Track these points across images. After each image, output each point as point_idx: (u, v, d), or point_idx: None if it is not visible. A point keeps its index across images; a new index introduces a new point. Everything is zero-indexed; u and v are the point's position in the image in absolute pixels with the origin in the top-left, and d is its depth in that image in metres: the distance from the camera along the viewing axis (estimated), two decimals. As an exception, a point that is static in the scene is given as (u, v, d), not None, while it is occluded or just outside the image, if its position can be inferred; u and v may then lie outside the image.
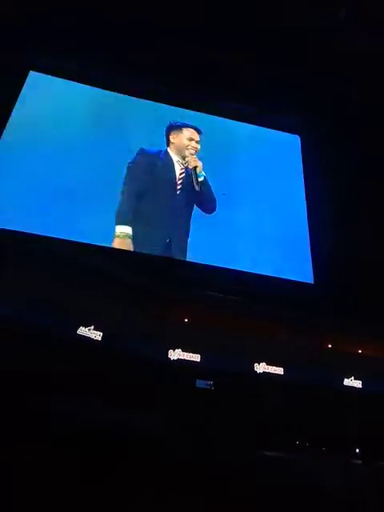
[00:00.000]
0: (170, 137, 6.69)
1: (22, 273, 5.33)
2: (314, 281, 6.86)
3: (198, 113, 7.89)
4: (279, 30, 7.08)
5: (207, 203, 6.63)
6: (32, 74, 7.27)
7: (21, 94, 7.00)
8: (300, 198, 7.64)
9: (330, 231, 7.23)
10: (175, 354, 5.81)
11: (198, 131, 6.74)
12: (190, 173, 6.36)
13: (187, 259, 6.40)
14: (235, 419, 4.96)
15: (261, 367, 6.01)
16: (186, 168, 6.48)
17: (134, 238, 6.14)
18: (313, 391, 5.81)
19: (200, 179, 6.29)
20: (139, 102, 7.66)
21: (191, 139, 6.61)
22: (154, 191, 6.44)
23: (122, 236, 6.08)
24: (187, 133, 6.67)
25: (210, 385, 5.79)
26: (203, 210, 6.63)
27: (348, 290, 6.57)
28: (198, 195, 6.41)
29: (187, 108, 7.85)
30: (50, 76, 7.36)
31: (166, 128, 6.75)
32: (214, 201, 6.72)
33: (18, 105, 6.89)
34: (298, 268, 7.01)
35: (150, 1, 6.94)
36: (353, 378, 6.28)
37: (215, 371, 5.80)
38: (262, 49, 7.30)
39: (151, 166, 6.48)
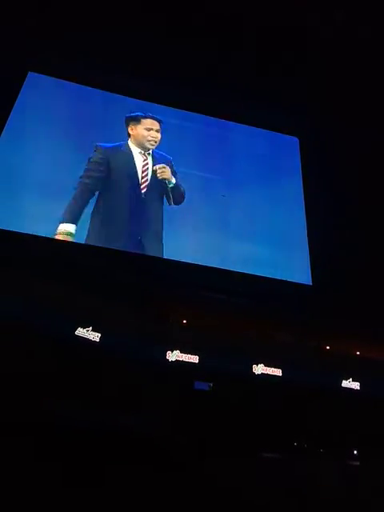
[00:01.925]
0: (129, 129, 6.54)
1: (19, 274, 5.33)
2: (313, 282, 6.88)
3: (198, 114, 7.93)
4: (279, 30, 7.08)
5: (176, 198, 6.46)
6: (31, 75, 7.30)
7: (20, 95, 7.02)
8: (299, 200, 7.65)
9: (328, 233, 7.24)
10: (173, 356, 5.79)
11: (158, 121, 6.57)
12: (155, 164, 6.29)
13: (199, 262, 6.38)
14: (233, 420, 4.96)
15: (259, 368, 6.00)
16: (152, 162, 6.38)
17: (95, 235, 6.09)
18: (311, 392, 5.81)
19: (170, 186, 6.25)
20: (138, 103, 7.66)
21: (150, 129, 6.46)
22: (116, 186, 6.31)
23: (64, 233, 5.94)
24: (146, 123, 6.53)
25: (208, 386, 5.78)
26: (170, 203, 6.42)
27: (346, 291, 6.58)
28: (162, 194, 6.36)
29: (186, 109, 7.88)
30: (48, 77, 7.37)
31: (124, 121, 6.59)
32: (182, 195, 6.57)
33: (16, 105, 6.91)
34: (297, 270, 7.02)
35: (150, 2, 6.94)
36: (351, 379, 6.28)
37: (214, 372, 5.79)
38: (262, 49, 7.31)
39: (109, 161, 6.32)
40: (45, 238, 6.02)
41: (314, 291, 6.79)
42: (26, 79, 7.21)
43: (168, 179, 6.23)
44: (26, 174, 6.51)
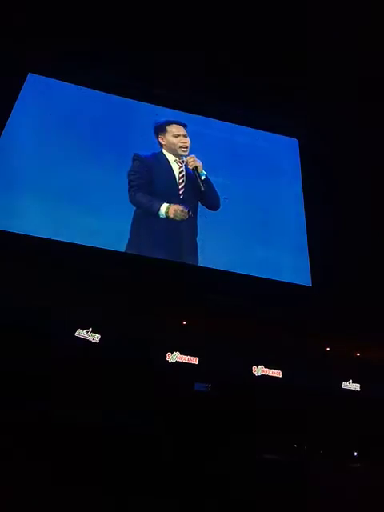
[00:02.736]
0: (159, 138, 6.62)
1: (19, 275, 5.33)
2: (312, 284, 6.88)
3: (197, 116, 7.94)
4: (278, 31, 7.10)
5: (211, 200, 6.60)
6: (31, 76, 7.32)
7: (19, 96, 7.03)
8: (298, 201, 7.66)
9: (328, 234, 7.24)
10: (173, 357, 5.79)
11: (183, 125, 6.64)
12: (190, 172, 6.33)
13: (199, 263, 6.41)
14: (233, 422, 4.96)
15: (259, 370, 6.00)
16: (186, 168, 6.43)
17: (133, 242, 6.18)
18: (311, 394, 5.80)
19: (202, 178, 6.27)
20: (138, 104, 7.68)
21: (178, 135, 6.51)
22: (158, 195, 6.37)
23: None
24: (172, 130, 6.58)
25: (208, 387, 5.78)
26: (208, 208, 6.62)
27: (346, 292, 6.57)
28: (202, 194, 6.37)
29: (185, 111, 7.89)
30: (49, 78, 7.39)
31: (153, 130, 6.67)
32: (217, 197, 6.69)
33: (16, 106, 6.93)
34: (296, 271, 7.02)
35: (150, 3, 6.95)
36: (351, 381, 6.28)
37: (213, 374, 5.79)
38: (261, 50, 7.33)
39: (150, 170, 6.42)
40: (45, 239, 6.02)
41: (313, 293, 6.79)
42: (26, 80, 7.23)
43: (199, 168, 6.23)
44: (26, 175, 6.51)
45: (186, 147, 6.50)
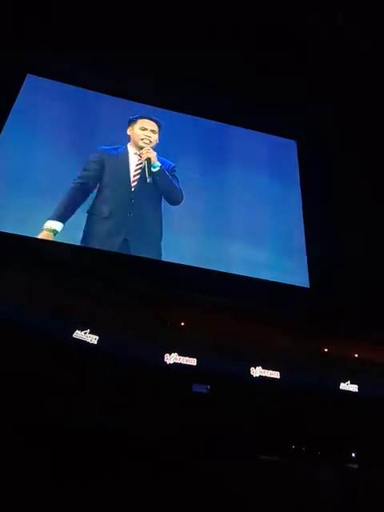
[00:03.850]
0: (127, 130, 6.68)
1: (16, 275, 5.32)
2: (310, 285, 6.89)
3: (195, 117, 7.95)
4: (278, 31, 7.12)
5: (168, 195, 6.54)
6: (30, 77, 7.32)
7: (18, 97, 7.03)
8: (296, 202, 7.68)
9: (326, 235, 7.26)
10: (171, 358, 5.78)
11: (156, 122, 6.68)
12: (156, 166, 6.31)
13: (198, 265, 6.40)
14: (231, 423, 4.96)
15: (257, 371, 6.00)
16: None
17: (89, 234, 6.14)
18: (309, 395, 5.80)
19: (154, 170, 6.24)
20: (136, 105, 7.69)
21: (144, 128, 6.55)
22: (108, 186, 6.36)
23: (48, 230, 5.97)
24: (142, 123, 6.63)
25: (206, 389, 5.77)
26: (168, 202, 6.56)
27: (344, 294, 6.59)
28: (156, 187, 6.37)
29: (183, 111, 7.91)
30: (47, 79, 7.39)
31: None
32: (176, 192, 6.59)
33: (15, 107, 6.93)
34: (294, 272, 7.03)
35: (149, 4, 6.96)
36: (349, 382, 6.28)
37: (211, 375, 5.78)
38: (260, 51, 7.34)
39: (104, 162, 6.41)
40: (41, 239, 6.01)
41: (311, 294, 6.80)
42: (25, 82, 7.23)
43: (152, 160, 6.27)
44: (24, 175, 6.50)
45: (150, 141, 6.50)
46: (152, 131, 6.55)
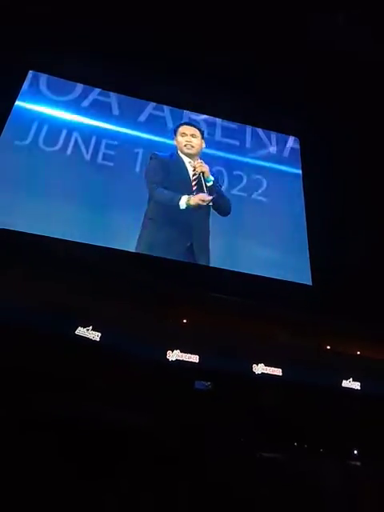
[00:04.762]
0: (174, 141, 6.76)
1: (19, 273, 5.33)
2: (313, 282, 6.87)
3: (197, 114, 7.94)
4: (279, 31, 7.08)
5: (220, 207, 6.61)
6: (31, 73, 7.31)
7: (20, 93, 7.03)
8: (299, 199, 7.65)
9: (329, 233, 7.24)
10: (174, 355, 5.79)
11: (193, 126, 6.79)
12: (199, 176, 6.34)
13: (211, 263, 6.44)
14: (234, 420, 4.96)
15: (259, 368, 6.00)
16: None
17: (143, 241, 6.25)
18: (311, 392, 5.80)
19: (208, 184, 6.28)
20: (136, 101, 7.69)
21: (184, 134, 6.61)
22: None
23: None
24: (181, 130, 6.71)
25: (208, 386, 5.78)
26: (218, 213, 6.63)
27: (347, 291, 6.57)
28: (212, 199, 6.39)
29: (186, 109, 7.90)
30: (49, 75, 7.38)
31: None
32: (226, 204, 6.70)
33: (17, 104, 6.93)
34: (297, 269, 7.02)
35: (152, 4, 6.93)
36: (351, 379, 6.28)
37: (214, 372, 5.79)
38: (262, 49, 7.30)
39: (166, 169, 6.45)
40: (46, 237, 6.03)
41: (314, 291, 6.78)
42: (27, 78, 7.22)
43: (206, 174, 6.27)
44: (28, 173, 6.50)
45: (192, 146, 6.55)
46: (192, 136, 6.61)
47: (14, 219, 6.08)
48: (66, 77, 7.45)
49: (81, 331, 5.49)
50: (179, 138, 6.65)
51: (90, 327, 5.53)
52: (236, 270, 6.64)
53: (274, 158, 8.00)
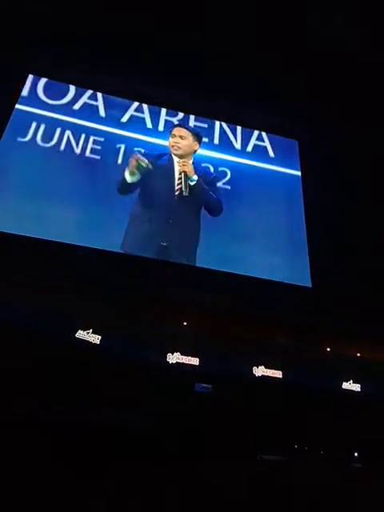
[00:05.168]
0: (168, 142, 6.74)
1: (19, 276, 5.33)
2: (312, 284, 6.87)
3: (195, 116, 7.96)
4: (278, 31, 7.10)
5: (209, 206, 6.61)
6: (31, 77, 7.36)
7: (20, 98, 7.08)
8: (298, 202, 7.66)
9: (328, 235, 7.25)
10: (174, 358, 5.80)
11: (183, 126, 6.77)
12: (198, 176, 6.34)
13: (200, 264, 6.44)
14: (234, 422, 4.96)
15: (259, 370, 6.00)
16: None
17: (125, 240, 6.25)
18: (311, 394, 5.80)
19: (191, 183, 6.26)
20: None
21: (173, 136, 6.60)
22: (153, 190, 6.42)
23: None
24: (172, 131, 6.70)
25: (208, 388, 5.78)
26: (208, 213, 6.63)
27: (346, 293, 6.57)
28: (196, 199, 6.38)
29: (183, 111, 7.93)
30: (48, 80, 7.43)
31: None
32: (215, 204, 6.66)
33: (17, 107, 6.98)
34: (296, 272, 7.02)
35: (150, 5, 6.96)
36: (351, 381, 6.28)
37: (214, 375, 5.79)
38: (260, 51, 7.32)
39: (151, 168, 6.40)
40: (44, 240, 6.04)
41: (313, 293, 6.78)
42: (27, 82, 7.27)
43: (188, 173, 6.25)
44: (26, 177, 6.53)
45: (178, 148, 6.52)
46: (180, 137, 6.56)
47: (15, 222, 6.11)
48: (65, 81, 7.50)
49: (81, 334, 5.50)
50: (170, 138, 6.66)
51: (90, 330, 5.54)
52: (236, 272, 6.64)
53: (273, 160, 8.01)
